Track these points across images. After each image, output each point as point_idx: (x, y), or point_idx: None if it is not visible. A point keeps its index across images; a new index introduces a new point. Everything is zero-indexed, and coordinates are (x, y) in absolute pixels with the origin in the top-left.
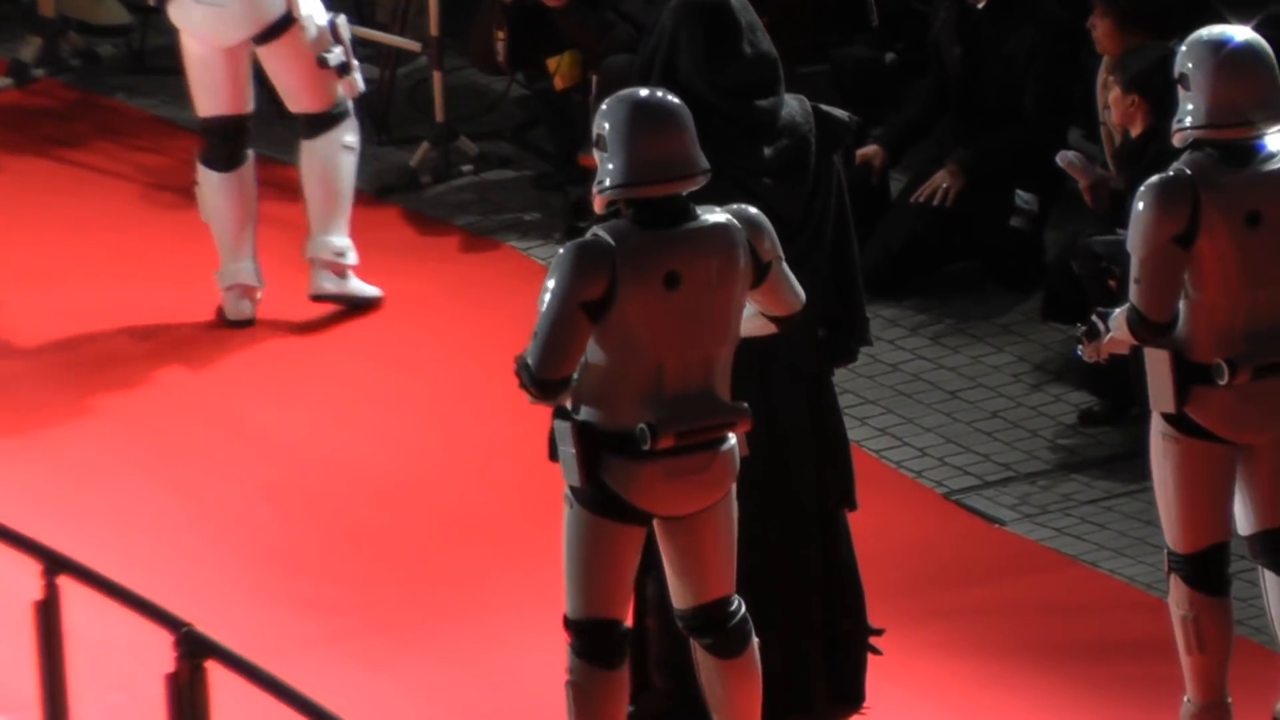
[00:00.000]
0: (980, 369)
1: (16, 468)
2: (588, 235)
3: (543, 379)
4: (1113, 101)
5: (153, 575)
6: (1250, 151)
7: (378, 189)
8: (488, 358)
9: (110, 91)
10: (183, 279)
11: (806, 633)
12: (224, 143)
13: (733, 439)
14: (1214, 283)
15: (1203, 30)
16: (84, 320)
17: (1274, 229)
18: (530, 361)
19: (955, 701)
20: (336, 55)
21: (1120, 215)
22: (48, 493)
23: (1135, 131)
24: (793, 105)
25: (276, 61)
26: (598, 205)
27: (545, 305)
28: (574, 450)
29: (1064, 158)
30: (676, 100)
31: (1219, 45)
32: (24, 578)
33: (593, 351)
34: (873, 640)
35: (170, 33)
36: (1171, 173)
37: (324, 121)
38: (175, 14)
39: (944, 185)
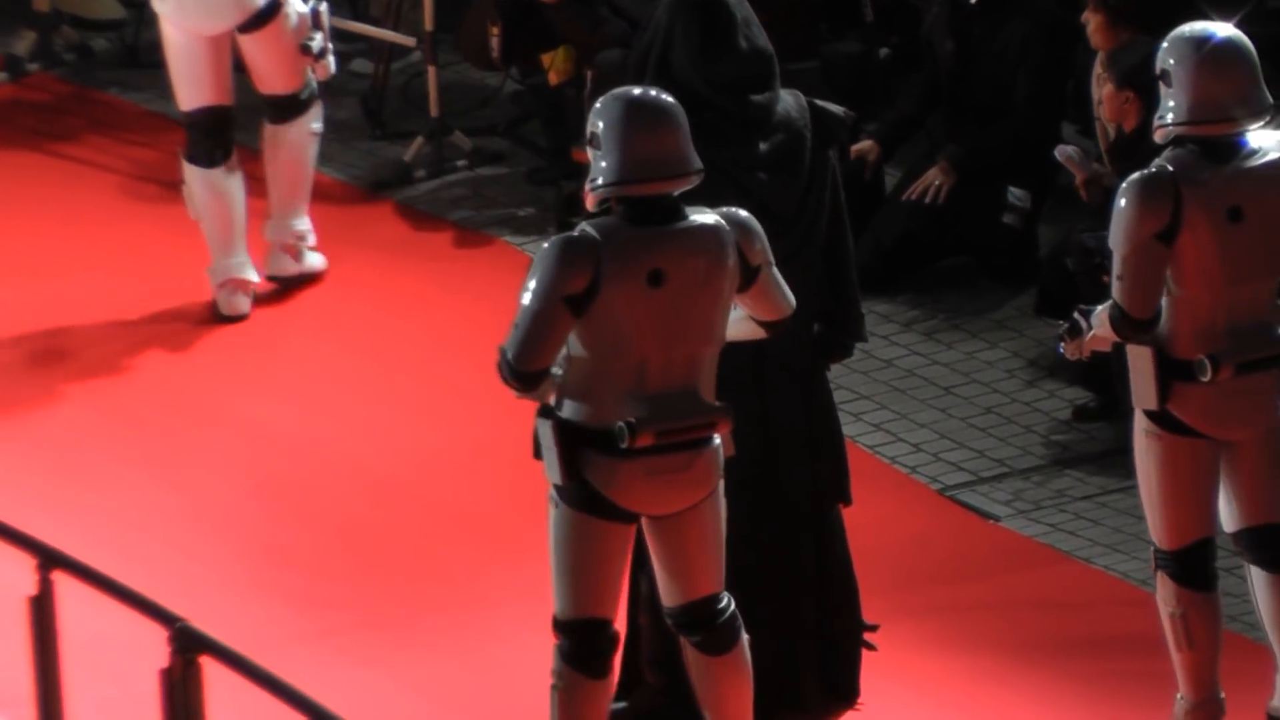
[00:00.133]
0: (974, 365)
1: (10, 462)
2: (574, 230)
3: (521, 370)
4: (1105, 97)
5: (147, 571)
6: (1232, 147)
7: (371, 184)
8: (481, 353)
9: (104, 86)
10: (176, 273)
11: (799, 630)
12: (207, 137)
13: (717, 439)
14: (1196, 279)
15: (1184, 26)
16: (77, 314)
17: (1256, 225)
18: (509, 353)
19: (949, 697)
20: (318, 41)
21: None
22: (42, 488)
23: (1128, 127)
24: (788, 101)
25: (257, 48)
26: (589, 203)
27: (527, 297)
28: (555, 448)
29: (1062, 152)
30: (671, 99)
31: (1201, 41)
32: (18, 573)
33: (577, 347)
34: (867, 636)
35: None
36: (1153, 169)
37: (295, 106)
38: (159, 3)
39: (936, 182)
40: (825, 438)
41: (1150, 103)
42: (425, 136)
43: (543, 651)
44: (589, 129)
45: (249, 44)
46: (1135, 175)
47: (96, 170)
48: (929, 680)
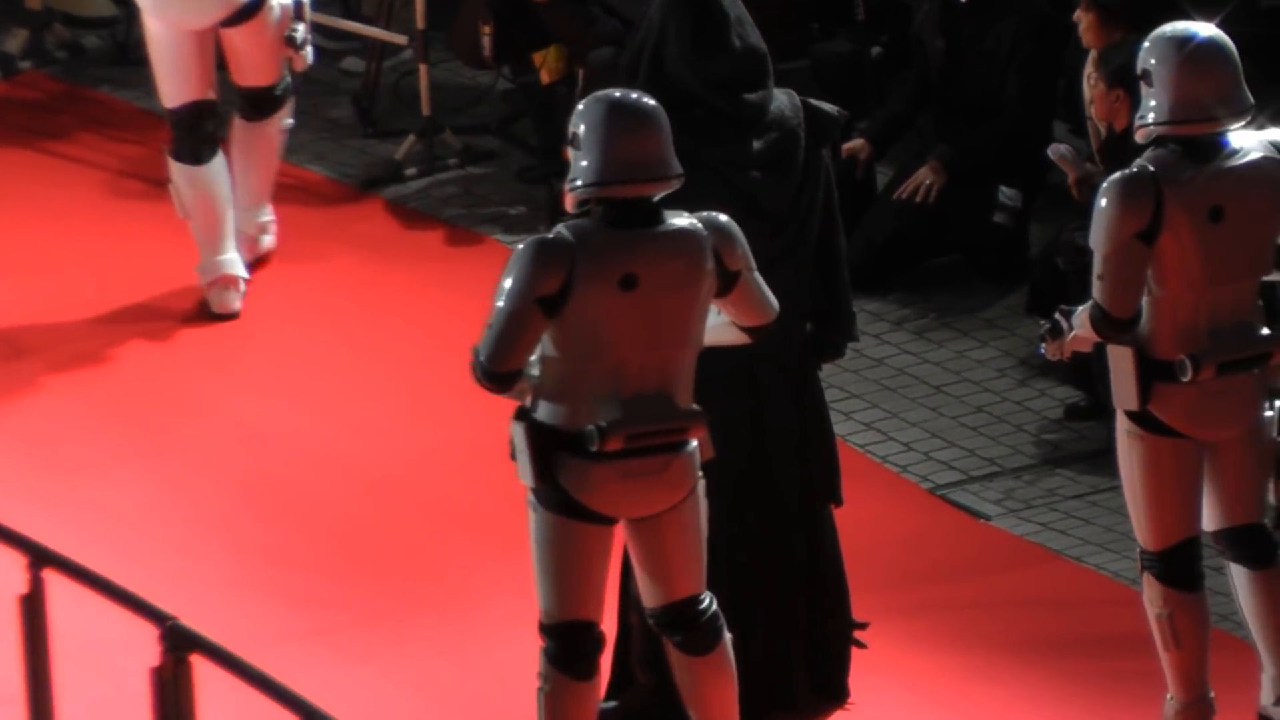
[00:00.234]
0: (965, 363)
1: (1, 460)
2: (550, 231)
3: (493, 371)
4: (1096, 96)
5: (138, 569)
6: (1214, 147)
7: (363, 182)
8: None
9: (95, 84)
10: (168, 270)
11: (790, 630)
12: (191, 133)
13: (693, 442)
14: (1177, 279)
15: (1166, 26)
16: (68, 311)
17: (1236, 225)
18: (482, 354)
19: (940, 695)
20: (301, 32)
21: None
22: (33, 485)
23: (1119, 126)
24: (782, 100)
25: (242, 41)
26: (569, 203)
27: (500, 298)
28: (528, 451)
29: (1055, 151)
30: (653, 102)
31: (1183, 42)
32: (9, 571)
33: (550, 349)
34: (857, 634)
35: None
36: (1134, 169)
37: (271, 101)
38: None
39: (927, 182)
40: (817, 437)
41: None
42: (417, 135)
43: (535, 649)
44: (570, 129)
45: (233, 37)
46: (1116, 175)
47: (88, 168)
48: (920, 678)
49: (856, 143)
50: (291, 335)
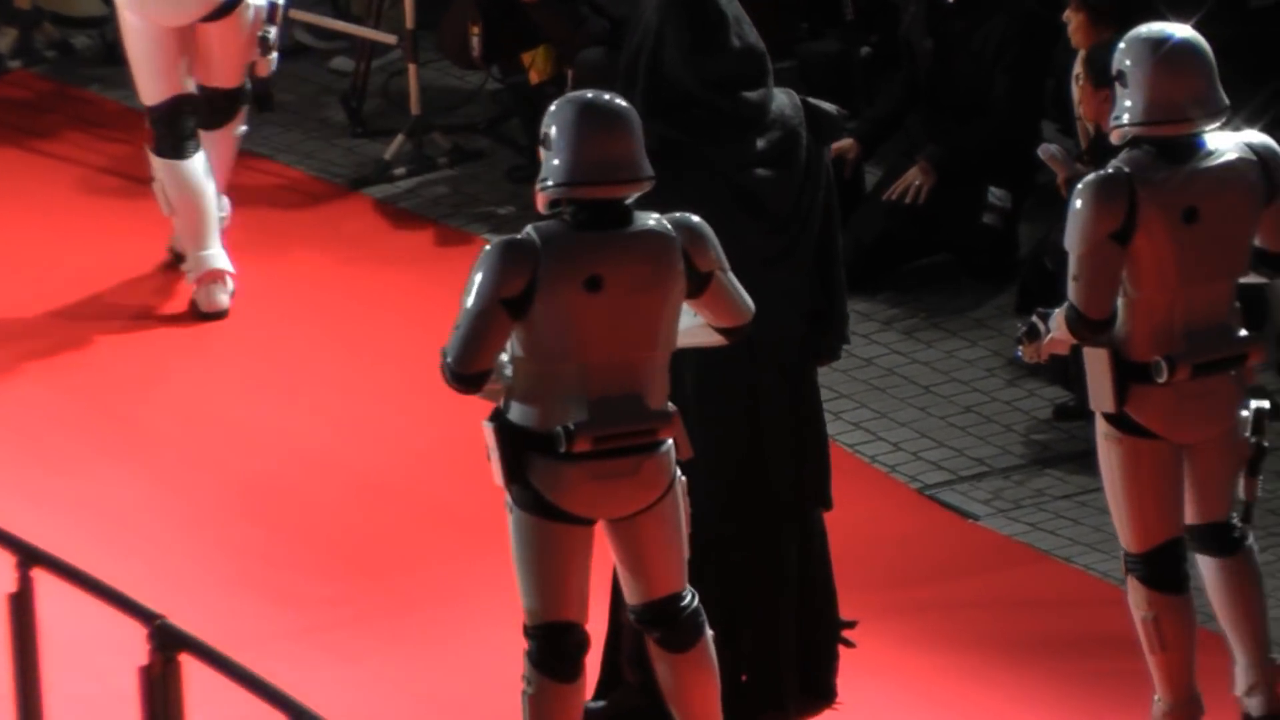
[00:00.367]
0: (954, 363)
1: None
2: (518, 232)
3: (460, 372)
4: (1084, 96)
5: (126, 568)
6: (1189, 148)
7: (352, 181)
8: None
9: (84, 83)
10: (157, 269)
11: (780, 630)
12: (172, 129)
13: (668, 442)
14: (1152, 280)
15: (1141, 27)
16: (57, 310)
17: (1211, 225)
18: (449, 355)
19: (928, 695)
20: (273, 35)
21: None
22: (20, 484)
23: (1107, 126)
24: (782, 99)
25: (215, 39)
26: (540, 204)
27: (467, 299)
28: (499, 452)
29: (1045, 150)
30: (625, 104)
31: (1159, 42)
32: None
33: (519, 350)
34: (845, 634)
35: None
36: (1109, 170)
37: (231, 107)
38: None
39: (916, 182)
40: (812, 439)
41: None
42: (406, 134)
43: (523, 650)
44: (542, 130)
45: (209, 33)
46: (1090, 176)
47: (77, 166)
48: (908, 678)
49: (845, 143)
50: (281, 334)
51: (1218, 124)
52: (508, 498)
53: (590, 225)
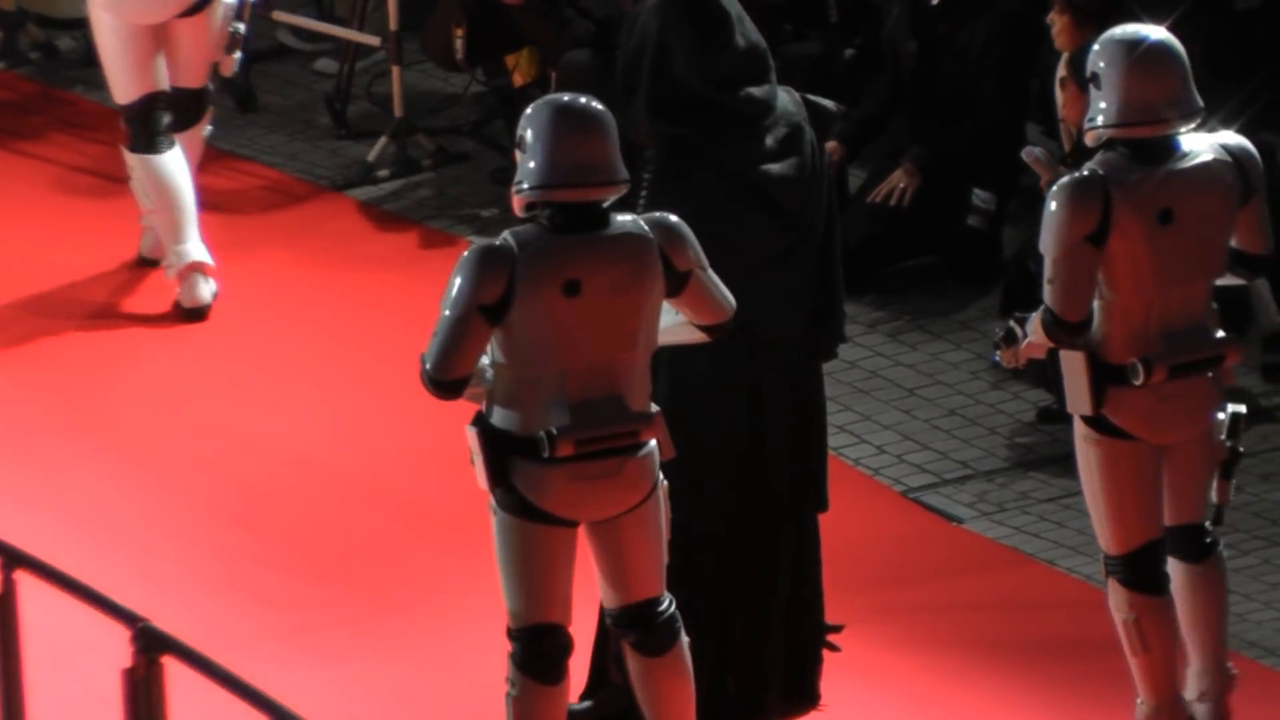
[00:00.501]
0: (938, 366)
1: None
2: (496, 238)
3: (439, 379)
4: (1069, 99)
5: (109, 570)
6: (1163, 150)
7: (335, 183)
8: None
9: (69, 85)
10: (141, 271)
11: (770, 632)
12: (145, 126)
13: (651, 443)
14: (1127, 282)
15: (1115, 29)
16: (41, 312)
17: (1186, 227)
18: (428, 362)
19: (912, 696)
20: (243, 31)
21: None
22: (4, 486)
23: None
24: (783, 95)
25: (186, 36)
26: (516, 206)
27: (444, 306)
28: (482, 456)
29: (1029, 153)
30: (600, 107)
31: (1133, 44)
32: None
33: (499, 356)
34: (830, 638)
35: None
36: (1084, 172)
37: (196, 108)
38: None
39: (901, 185)
40: (815, 439)
41: None
42: (389, 136)
43: (507, 652)
44: (519, 132)
45: (178, 32)
46: (1065, 178)
47: (61, 168)
48: (891, 681)
49: (829, 145)
50: (264, 336)
51: (1192, 125)
52: (491, 501)
53: (567, 228)
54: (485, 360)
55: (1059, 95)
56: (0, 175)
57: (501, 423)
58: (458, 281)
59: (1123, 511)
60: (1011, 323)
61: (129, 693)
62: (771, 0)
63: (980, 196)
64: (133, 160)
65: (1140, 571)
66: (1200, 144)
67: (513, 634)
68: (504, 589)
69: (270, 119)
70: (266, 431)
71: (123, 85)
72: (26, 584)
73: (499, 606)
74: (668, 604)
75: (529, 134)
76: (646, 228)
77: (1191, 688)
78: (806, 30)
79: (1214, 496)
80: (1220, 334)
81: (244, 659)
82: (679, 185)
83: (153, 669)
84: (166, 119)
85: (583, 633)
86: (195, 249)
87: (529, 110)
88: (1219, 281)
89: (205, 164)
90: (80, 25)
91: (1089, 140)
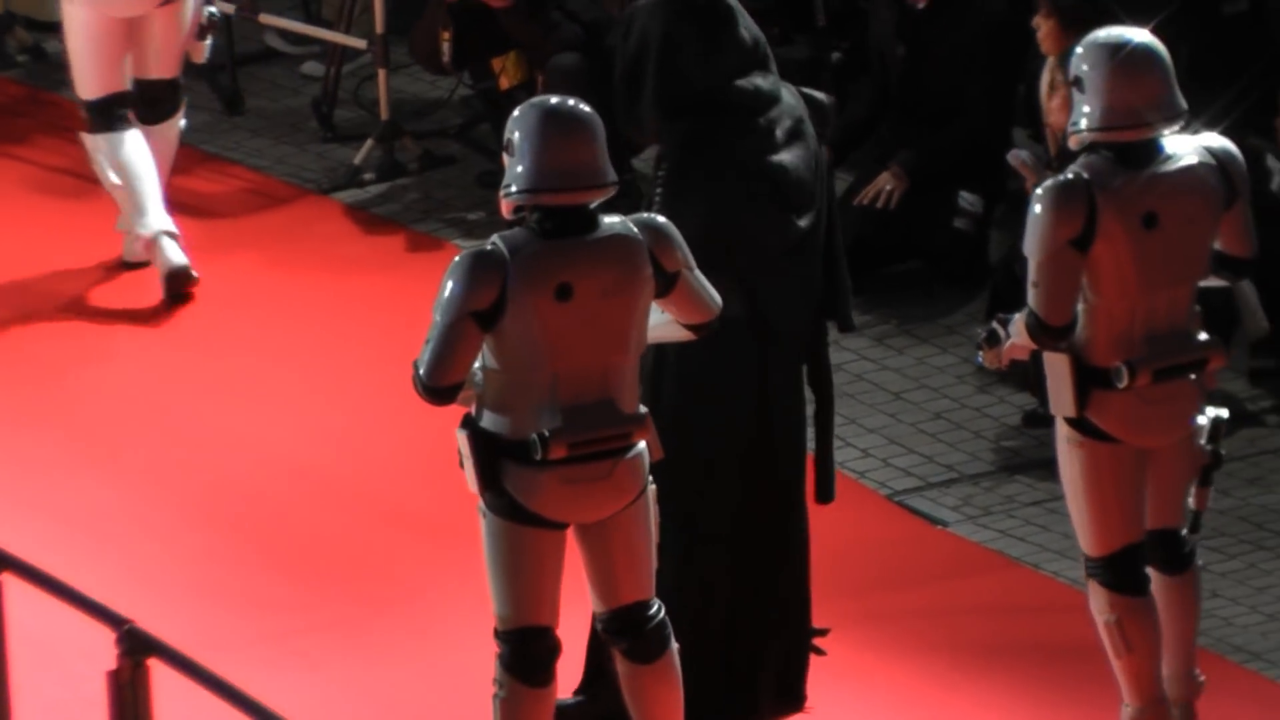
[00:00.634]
0: (924, 370)
1: None
2: (486, 243)
3: (432, 386)
4: (1061, 103)
5: (95, 573)
6: (1148, 153)
7: (322, 186)
8: None
9: (57, 87)
10: (125, 273)
11: (771, 632)
12: (106, 116)
13: (641, 445)
14: (1111, 285)
15: (1099, 32)
16: (26, 316)
17: (1170, 230)
18: (421, 368)
19: (897, 700)
20: (216, 14)
21: None
22: None
23: None
24: (784, 88)
25: (160, 26)
26: (504, 210)
27: (437, 313)
28: (473, 459)
29: (1015, 157)
30: (588, 110)
31: (1116, 47)
32: None
33: (491, 360)
34: (816, 642)
35: None
36: (1068, 175)
37: (169, 99)
38: None
39: (888, 188)
40: (822, 431)
41: None
42: (376, 139)
43: (492, 655)
44: (506, 135)
45: (152, 22)
46: (1049, 182)
47: (48, 171)
48: (876, 683)
49: None
50: (250, 339)
51: (1176, 128)
52: (481, 503)
53: (556, 232)
54: (476, 364)
55: (1045, 99)
56: None
57: (492, 426)
58: (449, 288)
59: (1105, 514)
60: (994, 324)
61: (114, 695)
62: (759, 4)
63: (967, 199)
64: (94, 141)
65: (1121, 573)
66: (1184, 147)
67: (501, 636)
68: (492, 591)
69: (256, 122)
70: (253, 434)
71: (88, 82)
72: (12, 586)
73: (485, 609)
74: (657, 608)
75: (517, 137)
76: (635, 229)
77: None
78: (794, 34)
79: (1192, 503)
80: (1204, 337)
81: (230, 661)
82: (695, 180)
83: (138, 671)
84: (125, 112)
85: (578, 628)
86: (159, 219)
87: (517, 113)
88: (1202, 284)
89: (190, 167)
90: None
91: (1073, 144)
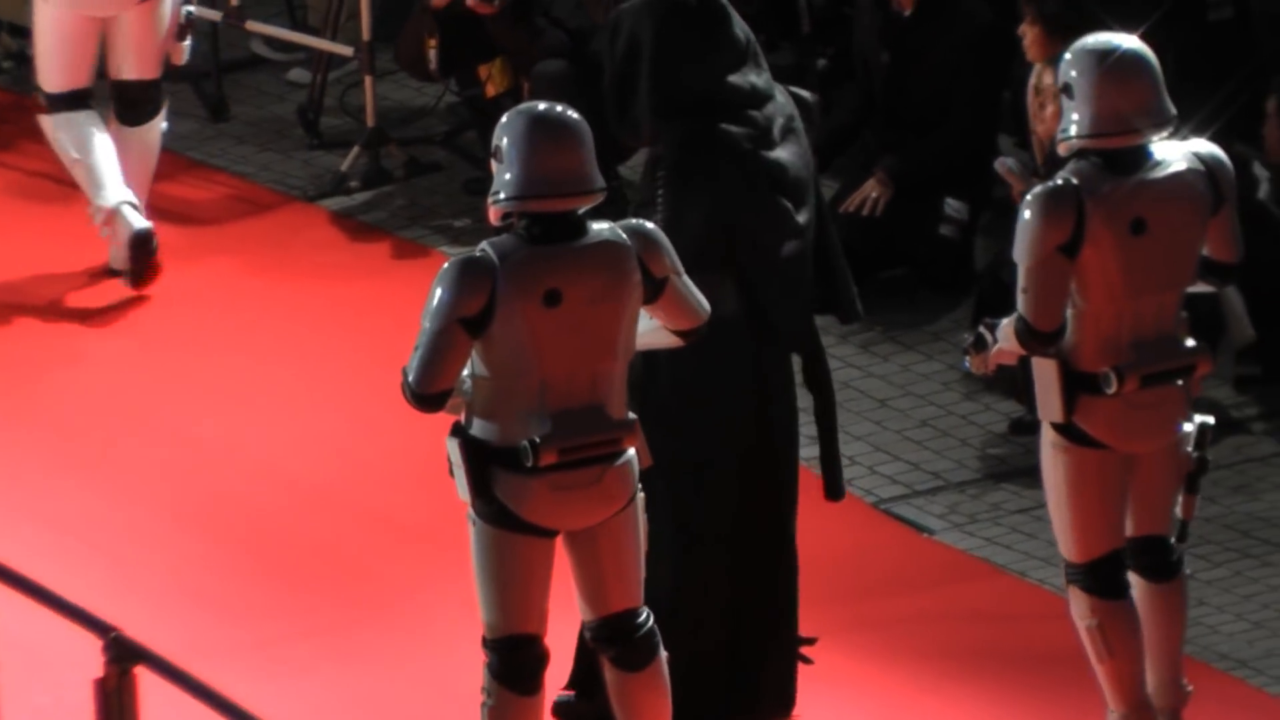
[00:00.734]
0: (910, 377)
1: None
2: (475, 250)
3: (421, 393)
4: (1052, 114)
5: (81, 579)
6: (1136, 159)
7: (308, 194)
8: None
9: None
10: (109, 280)
11: (769, 632)
12: (67, 102)
13: (630, 452)
14: (1100, 291)
15: (1087, 38)
16: (10, 319)
17: (1159, 236)
18: (410, 375)
19: (884, 706)
20: (194, 13)
21: None
22: None
23: None
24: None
25: (136, 26)
26: (492, 217)
27: (426, 320)
28: (463, 467)
29: (1002, 164)
30: (576, 116)
31: (1105, 53)
32: None
33: (480, 367)
34: (803, 650)
35: None
36: (1057, 181)
37: (150, 101)
38: None
39: (873, 195)
40: (825, 429)
41: None
42: (362, 146)
43: (480, 662)
44: (494, 142)
45: (128, 18)
46: (1039, 188)
47: (33, 178)
48: (863, 690)
49: None
50: (236, 347)
51: (1165, 134)
52: (470, 511)
53: (545, 239)
54: (465, 372)
55: (1031, 106)
56: None
57: (481, 433)
58: (438, 294)
59: (1087, 520)
60: (981, 328)
61: (101, 703)
62: (744, 10)
63: (953, 206)
64: (52, 121)
65: (1102, 578)
66: (1173, 153)
67: (489, 644)
68: (481, 599)
69: (242, 129)
70: (240, 441)
71: (52, 75)
72: None
73: (473, 617)
74: (646, 616)
75: (505, 143)
76: (624, 235)
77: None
78: (779, 41)
79: (1179, 511)
80: (1191, 343)
81: (216, 669)
82: (697, 181)
83: (125, 679)
84: (88, 101)
85: (568, 626)
86: (118, 191)
87: (504, 119)
88: (1189, 290)
89: (176, 174)
90: None
91: (1062, 150)
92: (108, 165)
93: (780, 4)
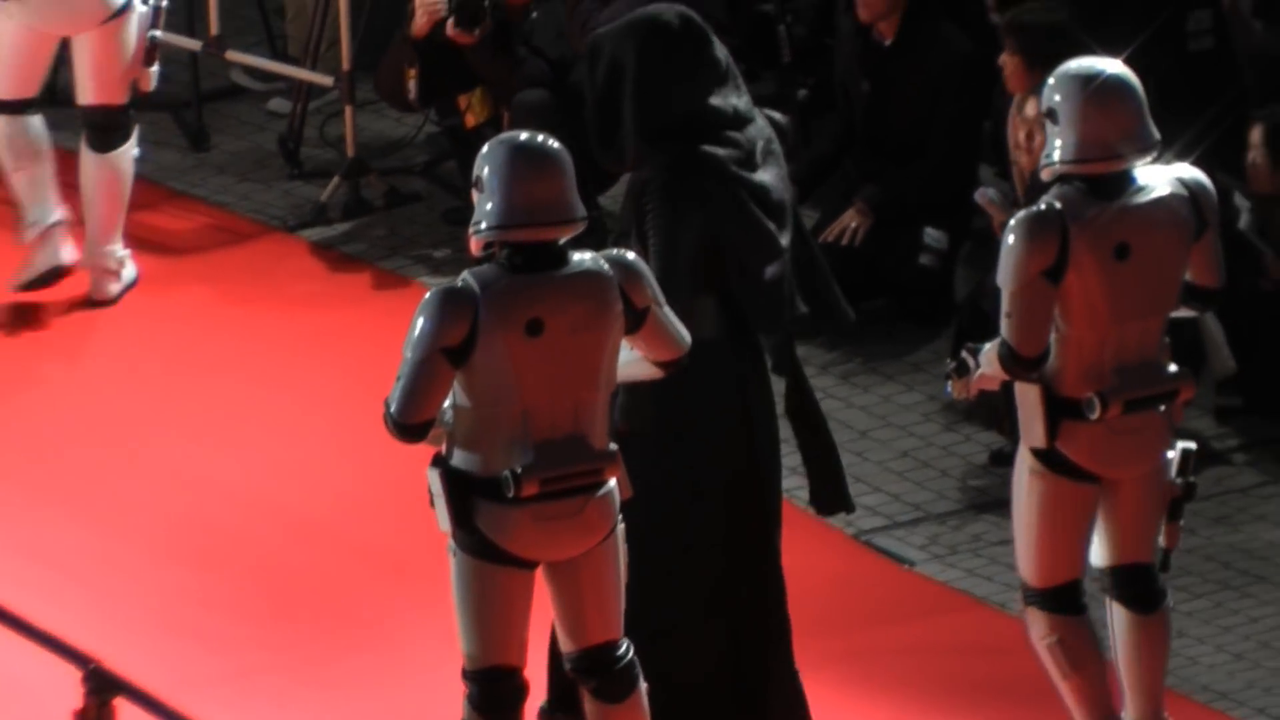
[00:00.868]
0: (890, 408)
1: None
2: (456, 280)
3: (403, 423)
4: (1040, 145)
5: (60, 611)
6: (1120, 184)
7: (288, 224)
8: None
9: None
10: (89, 307)
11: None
12: (10, 108)
13: (611, 483)
14: (1083, 317)
15: (1070, 63)
16: None
17: (1142, 262)
18: (392, 406)
19: None
20: (160, 38)
21: None
22: None
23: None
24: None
25: (98, 48)
26: (474, 247)
27: (407, 350)
28: (444, 497)
29: (983, 195)
30: (557, 145)
31: (1088, 79)
32: None
33: (461, 397)
34: None
35: None
36: (1041, 206)
37: (118, 127)
38: (12, 3)
39: (853, 224)
40: (822, 443)
41: None
42: (342, 176)
43: (460, 693)
44: (475, 172)
45: (90, 41)
46: (1022, 213)
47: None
48: None
49: None
50: (216, 377)
51: (1148, 159)
52: (450, 542)
53: (526, 268)
54: (446, 403)
55: (1012, 137)
56: None
57: (463, 464)
58: (420, 324)
59: (1054, 550)
60: (964, 354)
61: None
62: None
63: (932, 235)
64: None
65: (1061, 600)
66: (1156, 178)
67: (469, 675)
68: (461, 630)
69: (222, 159)
70: (220, 471)
71: (2, 84)
72: None
73: (453, 648)
74: (626, 648)
75: (486, 173)
76: (606, 265)
77: None
78: (759, 70)
79: (1162, 540)
80: (1174, 369)
81: (196, 700)
82: (688, 200)
83: (104, 711)
84: (33, 108)
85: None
86: (55, 211)
87: (485, 149)
88: (1171, 315)
89: (155, 203)
90: None
91: (1045, 176)
92: (45, 177)
93: (761, 34)
